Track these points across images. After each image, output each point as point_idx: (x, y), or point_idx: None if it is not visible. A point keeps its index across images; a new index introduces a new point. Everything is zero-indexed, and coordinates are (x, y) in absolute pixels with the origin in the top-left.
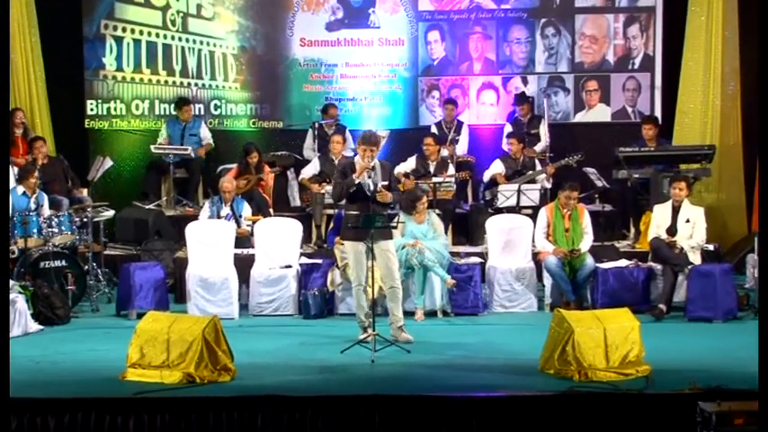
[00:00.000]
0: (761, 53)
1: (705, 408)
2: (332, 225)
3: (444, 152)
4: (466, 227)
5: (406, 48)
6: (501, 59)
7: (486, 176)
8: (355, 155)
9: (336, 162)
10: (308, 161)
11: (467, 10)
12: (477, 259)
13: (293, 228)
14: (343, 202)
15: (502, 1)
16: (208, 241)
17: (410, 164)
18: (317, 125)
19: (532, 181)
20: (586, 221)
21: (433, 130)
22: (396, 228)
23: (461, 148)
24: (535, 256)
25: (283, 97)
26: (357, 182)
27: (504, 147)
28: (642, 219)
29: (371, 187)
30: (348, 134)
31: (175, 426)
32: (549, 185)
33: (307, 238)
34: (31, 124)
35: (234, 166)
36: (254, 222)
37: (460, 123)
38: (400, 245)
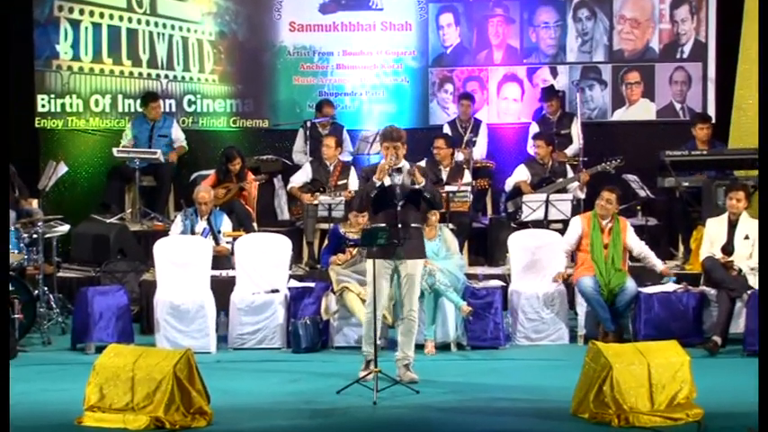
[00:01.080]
0: (761, 53)
1: None
2: (326, 242)
3: (459, 156)
4: (484, 244)
5: (414, 33)
6: (526, 47)
7: (509, 185)
8: (354, 160)
9: (331, 167)
10: (298, 167)
11: None
12: (497, 282)
13: (281, 245)
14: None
15: None
16: (180, 261)
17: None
18: (309, 124)
19: (563, 190)
20: (631, 237)
21: (446, 130)
22: (401, 245)
23: (479, 151)
24: (567, 278)
25: (269, 92)
26: (378, 184)
27: (530, 150)
28: (693, 235)
29: (399, 192)
30: (345, 135)
31: None
32: (582, 195)
33: (297, 258)
34: None
35: (211, 172)
36: (234, 239)
37: (478, 122)
38: None
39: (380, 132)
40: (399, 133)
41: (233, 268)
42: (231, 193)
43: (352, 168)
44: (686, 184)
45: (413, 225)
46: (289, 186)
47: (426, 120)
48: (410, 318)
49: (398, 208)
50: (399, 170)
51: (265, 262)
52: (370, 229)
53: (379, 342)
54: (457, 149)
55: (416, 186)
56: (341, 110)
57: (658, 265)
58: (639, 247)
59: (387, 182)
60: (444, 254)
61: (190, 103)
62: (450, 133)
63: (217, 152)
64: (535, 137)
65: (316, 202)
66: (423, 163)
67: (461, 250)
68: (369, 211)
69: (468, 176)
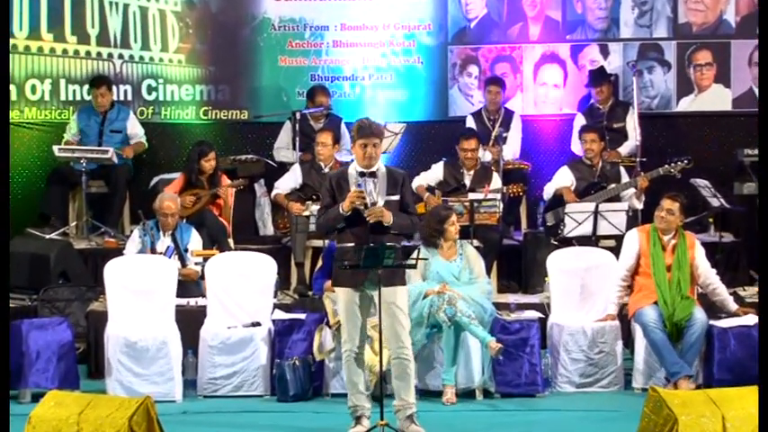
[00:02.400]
0: (761, 53)
1: None
2: (320, 263)
3: (486, 156)
4: (518, 266)
5: (430, 2)
6: (569, 20)
7: (549, 191)
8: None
9: (326, 170)
10: (285, 169)
11: None
12: (534, 314)
13: (263, 267)
14: (340, 231)
15: None
16: (137, 287)
17: (435, 173)
18: (298, 117)
19: (616, 198)
20: (700, 258)
21: (470, 123)
22: (415, 267)
23: (511, 149)
24: (621, 308)
25: (249, 76)
26: (347, 215)
27: (575, 148)
28: None
29: (370, 206)
30: (344, 130)
31: None
32: (639, 206)
33: (283, 283)
34: None
35: (177, 176)
36: (205, 259)
37: (510, 114)
38: (420, 293)
39: (355, 125)
40: (378, 127)
41: (203, 296)
42: (202, 201)
43: None
44: None
45: (388, 245)
46: (273, 193)
47: (445, 110)
48: (401, 356)
49: (368, 223)
50: (373, 174)
51: (244, 288)
52: (372, 247)
53: (369, 391)
54: (483, 147)
55: (385, 223)
56: (338, 98)
57: (729, 302)
58: (707, 274)
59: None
60: (467, 278)
61: (150, 89)
62: (474, 127)
63: (183, 150)
64: (583, 131)
65: (307, 213)
66: (438, 167)
67: (489, 273)
68: (340, 233)
69: (497, 181)
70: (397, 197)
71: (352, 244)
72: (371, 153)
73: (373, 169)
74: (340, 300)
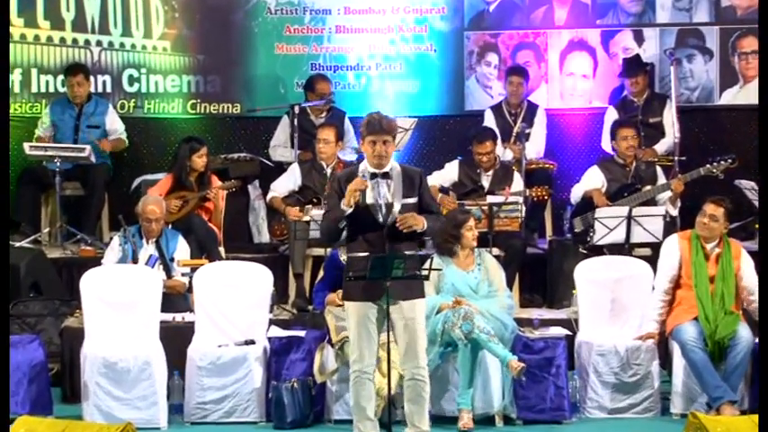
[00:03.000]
0: (761, 53)
1: None
2: (321, 274)
3: (507, 154)
4: (542, 277)
5: None
6: (600, 2)
7: (577, 194)
8: (360, 158)
9: (328, 170)
10: (282, 169)
11: None
12: (560, 331)
13: (258, 279)
14: (349, 238)
15: None
16: (117, 301)
17: (450, 173)
18: (296, 110)
19: (651, 201)
20: (747, 269)
21: (488, 119)
22: (427, 278)
23: (535, 147)
24: (660, 326)
25: (242, 65)
26: (348, 211)
27: (606, 145)
28: None
29: (385, 210)
30: (348, 125)
31: None
32: (674, 212)
33: (280, 296)
34: None
35: (162, 176)
36: (193, 269)
37: (533, 107)
38: (433, 307)
39: (364, 120)
40: (390, 123)
41: (191, 310)
42: (190, 205)
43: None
44: None
45: (407, 252)
46: (269, 197)
47: (461, 104)
48: (417, 377)
49: (384, 230)
50: (386, 175)
51: (236, 302)
52: (380, 256)
53: (376, 417)
54: (504, 145)
55: (419, 231)
56: (341, 90)
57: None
58: (753, 288)
59: (369, 197)
60: (486, 290)
61: (132, 80)
62: (493, 122)
63: (169, 148)
64: (616, 126)
65: (306, 218)
66: (452, 166)
67: (510, 285)
68: (350, 241)
69: (518, 183)
70: (414, 199)
71: (366, 253)
72: (381, 152)
73: (386, 169)
74: (351, 314)
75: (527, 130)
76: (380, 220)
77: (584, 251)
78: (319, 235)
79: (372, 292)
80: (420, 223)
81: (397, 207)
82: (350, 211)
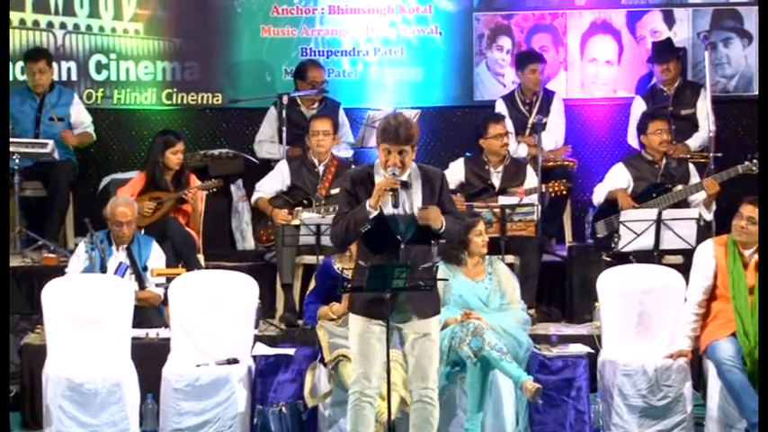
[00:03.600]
0: (761, 53)
1: None
2: (313, 284)
3: (520, 149)
4: (561, 288)
5: None
6: None
7: (599, 195)
8: (356, 157)
9: (321, 168)
10: (268, 167)
11: None
12: (581, 348)
13: (242, 290)
14: (360, 245)
15: None
16: (83, 315)
17: (455, 173)
18: (285, 101)
19: (683, 203)
20: None
21: (500, 107)
22: (431, 289)
23: (552, 139)
24: (694, 343)
25: (224, 50)
26: (374, 213)
27: (633, 140)
28: None
29: (408, 218)
30: (343, 117)
31: None
32: (708, 216)
33: (267, 309)
34: None
35: (134, 175)
36: (169, 279)
37: (550, 96)
38: (438, 321)
39: (380, 125)
40: (410, 130)
41: (166, 326)
42: (165, 207)
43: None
44: None
45: (423, 267)
46: (254, 198)
47: (470, 93)
48: (425, 399)
49: (402, 245)
50: (405, 185)
51: (217, 316)
52: (379, 265)
53: None
54: (518, 139)
55: (437, 231)
56: (335, 77)
57: None
58: None
59: (387, 207)
60: (498, 303)
61: (99, 67)
62: (506, 114)
63: (142, 143)
64: (645, 119)
65: (296, 221)
66: (458, 165)
67: (525, 297)
68: (358, 246)
69: (533, 181)
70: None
71: (373, 263)
72: (396, 163)
73: (403, 178)
74: (354, 327)
75: (543, 121)
76: (398, 232)
77: (608, 259)
78: (331, 238)
79: (378, 307)
80: (439, 221)
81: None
82: (375, 213)
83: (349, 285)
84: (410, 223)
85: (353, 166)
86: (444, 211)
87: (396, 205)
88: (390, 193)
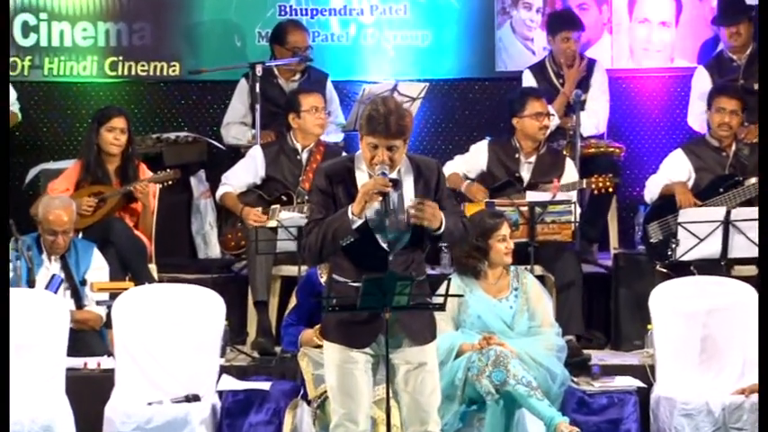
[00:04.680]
0: (761, 53)
1: None
2: (293, 302)
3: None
4: (605, 306)
5: None
6: None
7: (653, 190)
8: (347, 141)
9: (303, 155)
10: (238, 154)
11: None
12: (629, 381)
13: (204, 309)
14: (337, 255)
15: None
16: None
17: (476, 158)
18: (259, 72)
19: (757, 200)
20: None
21: (527, 80)
22: (443, 308)
23: (593, 118)
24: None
25: (182, 8)
26: (358, 223)
27: (694, 121)
28: None
29: (398, 225)
30: (332, 92)
31: None
32: None
33: (236, 333)
34: None
35: (69, 164)
36: (113, 296)
37: (590, 66)
38: (452, 348)
39: (364, 113)
40: (402, 121)
41: (110, 354)
42: (108, 205)
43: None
44: None
45: (417, 280)
46: (220, 193)
47: (490, 63)
48: None
49: (390, 256)
50: (396, 184)
51: (173, 342)
52: (376, 278)
53: None
54: (551, 118)
55: (434, 232)
56: (322, 42)
57: None
58: None
59: (370, 211)
60: (526, 325)
61: (26, 29)
62: (534, 85)
63: (79, 124)
64: (712, 94)
65: (273, 222)
66: (479, 150)
67: (560, 318)
68: (336, 257)
69: (571, 173)
70: (426, 203)
71: (358, 282)
72: (384, 159)
73: (392, 175)
74: (331, 357)
75: (581, 96)
76: (384, 242)
77: (664, 270)
78: (302, 250)
79: (363, 332)
80: (437, 220)
81: (410, 202)
82: (360, 222)
83: (337, 303)
84: (401, 230)
85: (328, 163)
86: (442, 209)
87: (386, 213)
88: (380, 197)
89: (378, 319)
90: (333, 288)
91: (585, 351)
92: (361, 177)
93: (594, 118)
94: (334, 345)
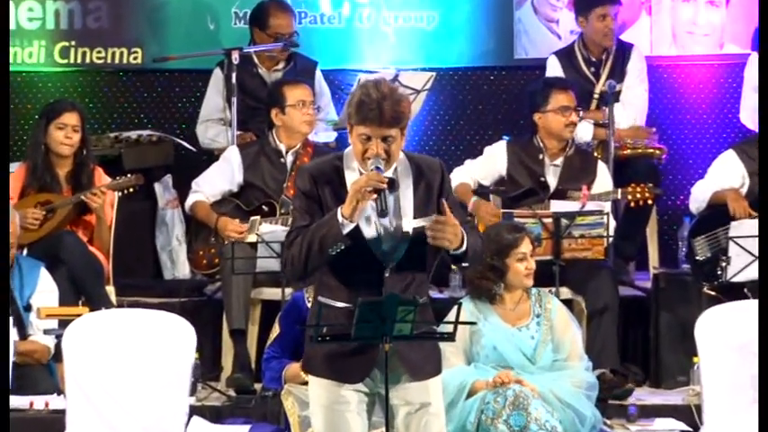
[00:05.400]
0: (761, 53)
1: None
2: (276, 331)
3: (584, 131)
4: (643, 336)
5: None
6: None
7: (700, 197)
8: (339, 140)
9: (288, 158)
10: (211, 156)
11: None
12: (672, 424)
13: (171, 339)
14: (322, 273)
15: None
16: None
17: (495, 160)
18: (235, 59)
19: None
20: None
21: (552, 69)
22: (452, 338)
23: (630, 111)
24: None
25: None
26: (349, 227)
27: (746, 118)
28: None
29: (394, 233)
30: (321, 82)
31: None
32: None
33: (210, 368)
34: None
35: (15, 167)
36: (63, 323)
37: (626, 51)
38: (463, 385)
39: (354, 98)
40: (398, 106)
41: (60, 392)
42: (58, 216)
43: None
44: None
45: (420, 303)
46: (190, 202)
47: (508, 49)
48: None
49: (386, 272)
50: (392, 184)
51: (135, 377)
52: (373, 302)
53: None
54: (580, 113)
55: (455, 251)
56: (310, 25)
57: None
58: None
59: (364, 215)
60: (550, 358)
61: None
62: (560, 74)
63: (24, 122)
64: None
65: (252, 237)
66: (497, 152)
67: (590, 350)
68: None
69: (604, 179)
70: (430, 218)
71: (344, 304)
72: (378, 152)
73: (388, 174)
74: (317, 396)
75: (615, 87)
76: (379, 253)
77: (712, 292)
78: (285, 265)
79: (355, 364)
80: (458, 239)
81: (407, 228)
82: (351, 226)
83: (327, 332)
84: (399, 239)
85: (311, 163)
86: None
87: (382, 213)
88: (374, 196)
89: (372, 349)
90: (320, 313)
91: (621, 388)
92: (352, 177)
93: (631, 110)
94: (321, 380)
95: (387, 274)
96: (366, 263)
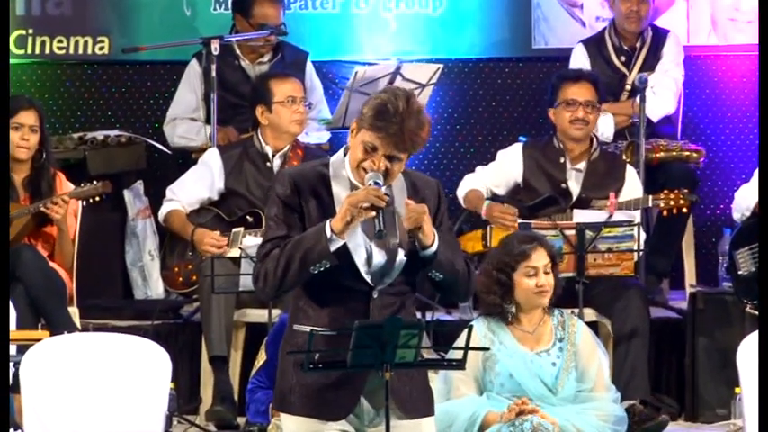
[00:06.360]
0: (761, 53)
1: None
2: (262, 357)
3: (605, 126)
4: (678, 362)
5: None
6: None
7: (744, 205)
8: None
9: (275, 161)
10: (187, 160)
11: None
12: None
13: (143, 366)
14: (298, 296)
15: None
16: None
17: (510, 165)
18: (215, 50)
19: None
20: None
21: (578, 58)
22: (462, 365)
23: (663, 104)
24: None
25: None
26: (338, 243)
27: None
28: None
29: (384, 254)
30: (312, 76)
31: None
32: None
33: (187, 399)
34: None
35: None
36: (21, 348)
37: (661, 38)
38: (474, 417)
39: (371, 104)
40: (420, 131)
41: (17, 426)
42: (14, 228)
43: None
44: None
45: (405, 320)
46: (165, 211)
47: (526, 38)
48: None
49: (374, 294)
50: (387, 201)
51: (103, 410)
52: (371, 324)
53: None
54: (606, 105)
55: (425, 251)
56: (301, 11)
57: None
58: None
59: (355, 236)
60: (573, 388)
61: None
62: (587, 67)
63: None
64: None
65: (234, 251)
66: (511, 156)
67: (618, 379)
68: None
69: (634, 185)
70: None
71: (336, 331)
72: (379, 167)
73: (386, 191)
74: None
75: (644, 79)
76: (368, 275)
77: (757, 312)
78: (257, 281)
79: (338, 398)
80: (430, 235)
81: (400, 255)
82: (340, 244)
83: (318, 359)
84: (392, 260)
85: (293, 168)
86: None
87: (379, 234)
88: (372, 213)
89: (357, 379)
90: (310, 339)
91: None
92: (339, 188)
93: (666, 96)
94: (298, 418)
95: (375, 295)
96: (350, 285)
